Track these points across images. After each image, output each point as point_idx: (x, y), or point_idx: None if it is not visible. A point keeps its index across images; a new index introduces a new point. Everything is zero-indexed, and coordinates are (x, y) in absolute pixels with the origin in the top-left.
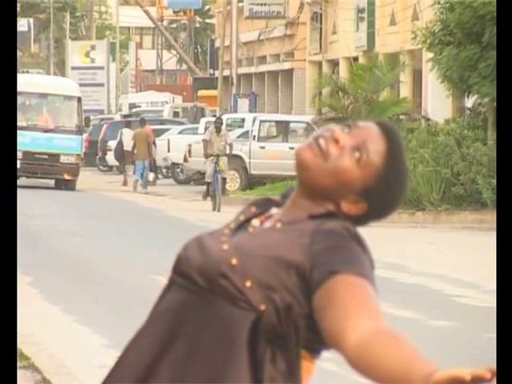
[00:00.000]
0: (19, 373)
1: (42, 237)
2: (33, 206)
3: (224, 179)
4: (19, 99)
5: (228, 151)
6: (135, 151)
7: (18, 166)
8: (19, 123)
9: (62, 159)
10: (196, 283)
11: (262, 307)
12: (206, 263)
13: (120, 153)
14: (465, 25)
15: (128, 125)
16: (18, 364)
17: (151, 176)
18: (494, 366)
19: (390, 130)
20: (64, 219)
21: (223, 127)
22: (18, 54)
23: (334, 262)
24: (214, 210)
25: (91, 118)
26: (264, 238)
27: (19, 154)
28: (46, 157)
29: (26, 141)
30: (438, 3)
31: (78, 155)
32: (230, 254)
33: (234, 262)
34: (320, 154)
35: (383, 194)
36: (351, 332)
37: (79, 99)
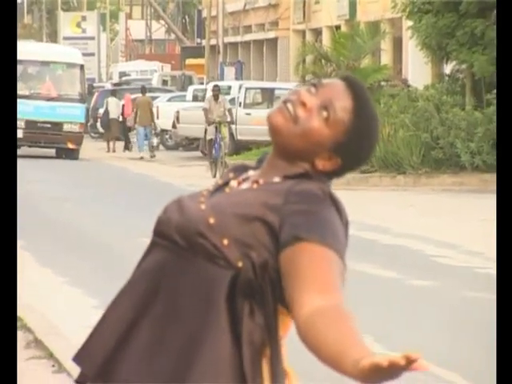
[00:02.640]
0: None
1: (34, 202)
2: (27, 172)
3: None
4: (21, 67)
5: (228, 118)
6: (137, 118)
7: (21, 135)
8: (21, 92)
9: (66, 128)
10: (176, 243)
11: (240, 264)
12: (184, 223)
13: (106, 121)
14: None
15: (114, 93)
16: None
17: (155, 141)
18: (411, 353)
19: (355, 84)
20: (55, 185)
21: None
22: None
23: (302, 227)
24: (214, 177)
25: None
26: (240, 197)
27: (22, 123)
28: (49, 126)
29: (28, 110)
30: None
31: (81, 124)
32: (208, 213)
33: (212, 221)
34: (290, 118)
35: (355, 147)
36: (302, 307)
37: (82, 67)
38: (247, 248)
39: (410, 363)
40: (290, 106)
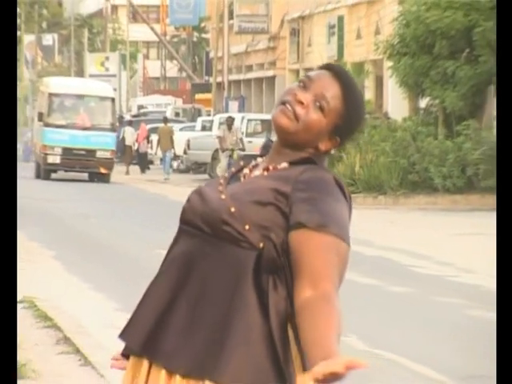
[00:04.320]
0: (44, 332)
1: (65, 218)
2: (62, 193)
3: None
4: (58, 100)
5: (240, 145)
6: (159, 144)
7: (58, 161)
8: (58, 122)
9: (98, 154)
10: (201, 229)
11: (261, 244)
12: (208, 211)
13: (122, 148)
14: (419, 38)
15: (130, 124)
16: (43, 324)
17: (175, 164)
18: (351, 360)
19: (340, 72)
20: (80, 203)
21: (217, 126)
22: (44, 64)
23: (304, 213)
24: None
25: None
26: (254, 185)
27: (59, 150)
28: (83, 152)
29: (64, 138)
30: (397, 20)
31: (112, 150)
32: (228, 202)
33: (233, 209)
34: (292, 117)
35: (350, 126)
36: (297, 294)
37: (113, 100)
38: (266, 230)
39: (347, 368)
40: (289, 106)
